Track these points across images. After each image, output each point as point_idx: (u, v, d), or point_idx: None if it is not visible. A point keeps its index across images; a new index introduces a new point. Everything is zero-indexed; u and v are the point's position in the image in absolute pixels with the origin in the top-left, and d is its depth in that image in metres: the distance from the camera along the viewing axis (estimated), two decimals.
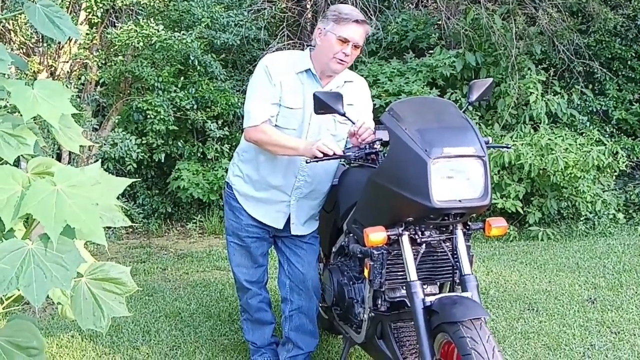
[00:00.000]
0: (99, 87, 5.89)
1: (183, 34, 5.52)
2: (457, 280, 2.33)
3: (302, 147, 2.57)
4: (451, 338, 2.07)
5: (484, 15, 6.26)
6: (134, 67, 5.66)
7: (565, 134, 6.12)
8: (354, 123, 2.57)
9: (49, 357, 3.18)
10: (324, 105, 2.45)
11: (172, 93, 5.91)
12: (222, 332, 3.58)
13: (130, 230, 6.19)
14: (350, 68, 2.84)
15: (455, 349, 2.08)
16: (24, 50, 5.11)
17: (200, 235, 6.11)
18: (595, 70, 7.14)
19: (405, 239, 2.28)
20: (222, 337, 3.51)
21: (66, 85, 4.78)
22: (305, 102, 2.68)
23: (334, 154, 2.50)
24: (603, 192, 5.98)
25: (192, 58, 5.88)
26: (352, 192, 2.71)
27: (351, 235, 2.68)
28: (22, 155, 1.26)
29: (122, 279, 1.28)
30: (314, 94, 2.47)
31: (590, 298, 4.00)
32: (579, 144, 5.93)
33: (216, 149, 6.27)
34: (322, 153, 2.48)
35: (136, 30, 5.17)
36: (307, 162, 2.60)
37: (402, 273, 2.35)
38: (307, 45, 2.77)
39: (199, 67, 6.08)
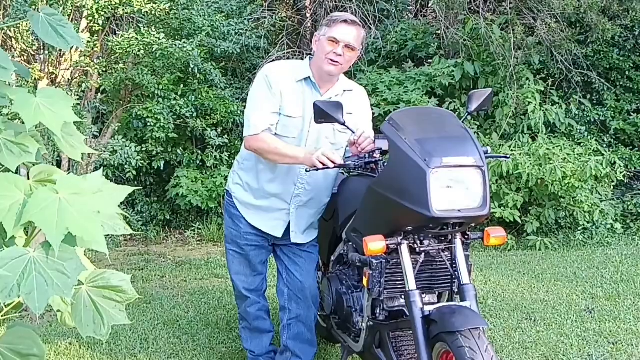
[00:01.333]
0: (99, 94, 5.90)
1: (184, 42, 5.54)
2: (456, 290, 2.34)
3: (302, 155, 2.58)
4: (450, 347, 2.07)
5: (482, 25, 6.29)
6: (134, 74, 5.68)
7: (564, 144, 6.14)
8: (353, 132, 2.58)
9: None
10: (324, 114, 2.46)
11: (172, 101, 5.93)
12: (220, 340, 3.57)
13: (129, 237, 6.18)
14: (349, 77, 2.86)
15: (453, 358, 2.08)
16: (25, 58, 5.12)
17: (198, 242, 6.11)
18: (594, 81, 7.17)
19: (404, 248, 2.29)
20: (220, 345, 3.50)
21: (67, 93, 4.78)
22: (305, 110, 2.69)
23: (334, 165, 2.50)
24: (601, 202, 6.00)
25: (192, 66, 5.90)
26: (351, 200, 2.72)
27: (350, 244, 2.69)
28: (23, 163, 1.27)
29: (123, 286, 1.28)
30: (314, 104, 2.48)
31: (588, 308, 4.00)
32: (577, 154, 5.95)
33: (215, 156, 6.29)
34: (322, 164, 2.48)
35: (137, 38, 5.19)
36: (306, 171, 2.61)
37: (401, 282, 2.35)
38: (307, 54, 2.79)
39: (199, 75, 6.10)
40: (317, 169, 2.53)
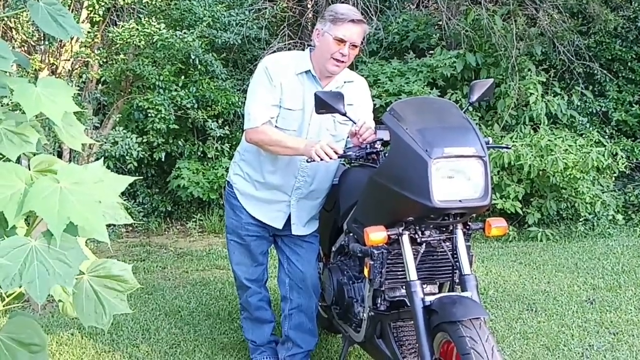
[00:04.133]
0: (100, 85, 5.89)
1: (184, 33, 5.52)
2: (457, 280, 2.34)
3: (302, 147, 2.58)
4: (450, 337, 2.08)
5: (484, 16, 6.26)
6: (135, 65, 5.66)
7: (565, 135, 6.13)
8: (354, 123, 2.57)
9: (49, 354, 3.18)
10: (325, 105, 2.46)
11: (173, 92, 5.91)
12: (221, 330, 3.58)
13: (130, 228, 6.19)
14: (351, 68, 2.84)
15: (454, 348, 2.09)
16: (26, 48, 5.11)
17: (200, 233, 6.11)
18: (596, 72, 7.15)
19: (405, 239, 2.29)
20: (222, 335, 3.51)
21: (67, 83, 4.77)
22: (305, 103, 2.68)
23: (331, 159, 2.48)
24: (602, 193, 5.99)
25: (193, 57, 5.88)
26: (352, 191, 2.72)
27: (351, 234, 2.69)
28: (23, 152, 1.27)
29: (124, 276, 1.28)
30: (315, 94, 2.47)
31: (589, 299, 4.01)
32: (579, 145, 5.94)
33: (216, 147, 6.28)
34: (320, 158, 2.47)
35: (137, 29, 5.17)
36: (307, 162, 2.60)
37: (402, 272, 2.35)
38: (308, 45, 2.77)
39: (199, 66, 6.08)
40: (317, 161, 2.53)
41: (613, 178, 6.30)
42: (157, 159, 6.17)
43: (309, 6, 7.42)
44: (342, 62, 2.64)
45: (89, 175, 1.21)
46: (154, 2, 5.28)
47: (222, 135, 6.13)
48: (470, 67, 6.47)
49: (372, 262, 2.36)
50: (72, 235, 1.16)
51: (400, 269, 2.37)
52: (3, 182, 1.15)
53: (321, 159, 2.47)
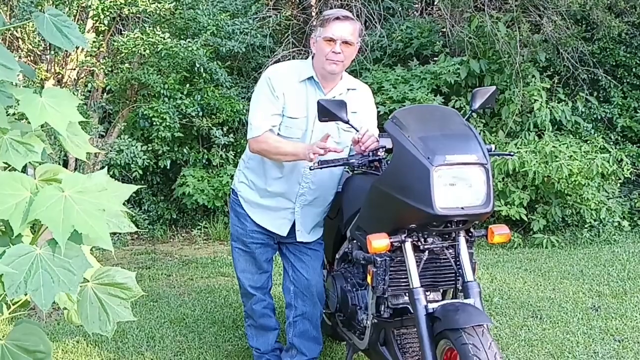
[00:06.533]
0: (105, 94, 5.93)
1: (189, 42, 5.56)
2: (460, 287, 2.35)
3: (301, 151, 2.60)
4: (453, 345, 2.08)
5: (488, 23, 6.28)
6: (140, 74, 5.71)
7: (570, 142, 6.12)
8: (357, 131, 2.59)
9: None
10: (327, 113, 2.47)
11: (177, 100, 5.95)
12: (226, 338, 3.59)
13: (135, 236, 6.21)
14: (354, 75, 2.86)
15: (457, 355, 2.09)
16: (32, 58, 5.16)
17: (205, 241, 6.13)
18: (600, 78, 7.14)
19: (408, 246, 2.30)
20: (227, 343, 3.52)
21: (73, 92, 4.82)
22: (309, 110, 2.70)
23: (325, 152, 2.48)
24: (608, 199, 5.98)
25: (197, 65, 5.92)
26: (355, 199, 2.73)
27: (354, 241, 2.70)
28: (29, 162, 1.28)
29: (128, 283, 1.30)
30: (318, 102, 2.49)
31: (594, 306, 4.00)
32: (584, 152, 5.94)
33: (221, 155, 6.31)
34: (317, 155, 2.48)
35: (142, 38, 5.22)
36: (310, 169, 2.62)
37: (405, 280, 2.36)
38: (312, 53, 2.80)
39: (204, 75, 6.12)
40: (321, 167, 2.54)
41: (618, 184, 6.29)
42: (162, 166, 6.21)
43: (313, 14, 7.45)
44: (338, 60, 2.66)
45: (93, 184, 1.22)
46: (158, 12, 5.32)
47: (226, 142, 6.16)
48: (474, 74, 6.48)
49: (375, 270, 2.37)
50: (76, 244, 1.18)
51: (403, 276, 2.37)
52: (9, 191, 1.17)
53: (313, 159, 2.49)
